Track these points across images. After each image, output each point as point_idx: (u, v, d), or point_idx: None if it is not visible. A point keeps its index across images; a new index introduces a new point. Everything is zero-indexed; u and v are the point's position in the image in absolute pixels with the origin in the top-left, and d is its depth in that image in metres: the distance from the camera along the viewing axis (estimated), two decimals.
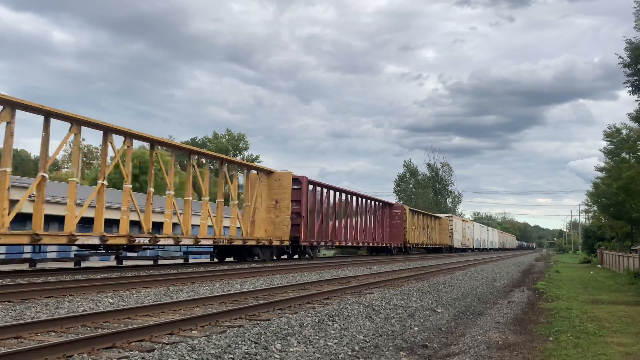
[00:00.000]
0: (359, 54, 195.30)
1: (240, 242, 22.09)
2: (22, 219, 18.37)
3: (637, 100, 19.43)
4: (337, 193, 32.23)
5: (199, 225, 21.04)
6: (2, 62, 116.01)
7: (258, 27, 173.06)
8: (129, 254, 20.31)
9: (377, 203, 40.14)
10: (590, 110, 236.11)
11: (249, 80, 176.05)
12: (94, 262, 22.77)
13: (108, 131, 16.35)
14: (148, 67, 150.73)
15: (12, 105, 13.53)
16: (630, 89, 18.72)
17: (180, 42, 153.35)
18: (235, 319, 7.89)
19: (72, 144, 16.65)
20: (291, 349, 6.46)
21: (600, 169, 39.96)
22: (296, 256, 27.68)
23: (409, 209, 45.86)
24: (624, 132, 33.75)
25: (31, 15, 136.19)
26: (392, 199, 79.85)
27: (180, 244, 19.33)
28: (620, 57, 18.16)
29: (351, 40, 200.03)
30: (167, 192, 19.25)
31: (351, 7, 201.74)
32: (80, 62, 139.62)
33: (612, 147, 35.65)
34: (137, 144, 20.41)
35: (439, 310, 11.26)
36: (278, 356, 6.12)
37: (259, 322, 7.68)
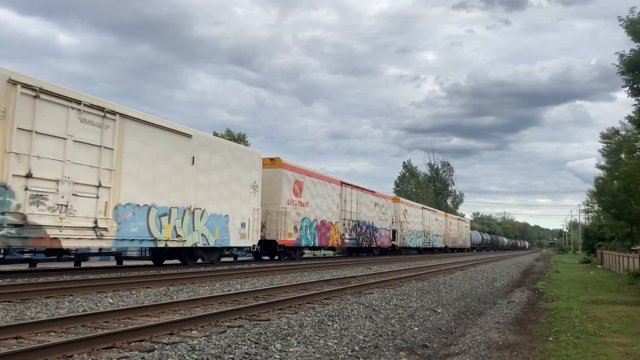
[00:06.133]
0: (360, 57, 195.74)
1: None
2: None
3: (634, 105, 19.60)
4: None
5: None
6: (8, 64, 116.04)
7: (261, 30, 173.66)
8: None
9: None
10: (588, 112, 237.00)
11: (251, 82, 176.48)
12: (93, 262, 22.69)
13: None
14: (152, 69, 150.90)
15: None
16: (628, 90, 18.87)
17: (184, 45, 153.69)
18: (235, 319, 7.89)
19: None
20: (291, 349, 6.46)
21: (601, 167, 40.06)
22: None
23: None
24: (623, 133, 33.67)
25: (38, 19, 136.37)
26: None
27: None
28: (617, 65, 18.36)
29: (352, 43, 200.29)
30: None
31: (353, 10, 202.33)
32: (85, 65, 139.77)
33: (608, 149, 35.74)
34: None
35: (439, 311, 11.25)
36: (278, 356, 6.12)
37: (259, 322, 7.68)
